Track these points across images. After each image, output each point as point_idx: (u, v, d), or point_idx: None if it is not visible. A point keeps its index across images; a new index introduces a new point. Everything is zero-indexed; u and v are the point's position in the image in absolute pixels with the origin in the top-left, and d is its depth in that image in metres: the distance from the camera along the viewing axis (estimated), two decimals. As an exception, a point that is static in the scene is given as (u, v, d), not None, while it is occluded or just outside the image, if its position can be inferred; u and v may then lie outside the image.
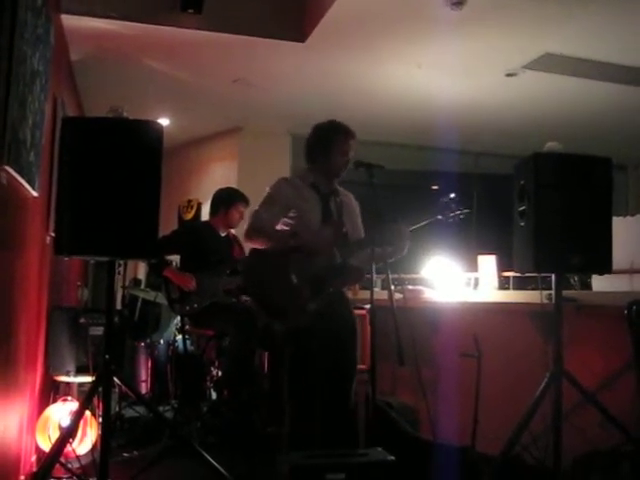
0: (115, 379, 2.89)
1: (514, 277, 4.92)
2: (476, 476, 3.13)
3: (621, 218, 4.22)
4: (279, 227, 3.30)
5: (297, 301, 3.13)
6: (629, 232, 4.09)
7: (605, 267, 3.06)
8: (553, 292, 3.10)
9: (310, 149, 3.41)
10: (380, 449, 2.57)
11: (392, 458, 2.47)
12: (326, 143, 3.33)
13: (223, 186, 5.24)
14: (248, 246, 3.37)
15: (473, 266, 4.71)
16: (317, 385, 3.14)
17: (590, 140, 7.31)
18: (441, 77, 5.96)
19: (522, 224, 3.08)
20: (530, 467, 3.17)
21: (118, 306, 5.59)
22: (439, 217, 3.25)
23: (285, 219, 3.29)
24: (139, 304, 6.45)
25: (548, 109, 6.84)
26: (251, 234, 3.24)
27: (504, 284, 4.81)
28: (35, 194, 3.20)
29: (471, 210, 3.30)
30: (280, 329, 3.32)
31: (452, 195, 3.23)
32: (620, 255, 3.17)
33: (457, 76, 5.94)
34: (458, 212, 3.23)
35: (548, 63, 5.53)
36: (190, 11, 4.72)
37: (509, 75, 5.86)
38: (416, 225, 3.29)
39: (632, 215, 5.44)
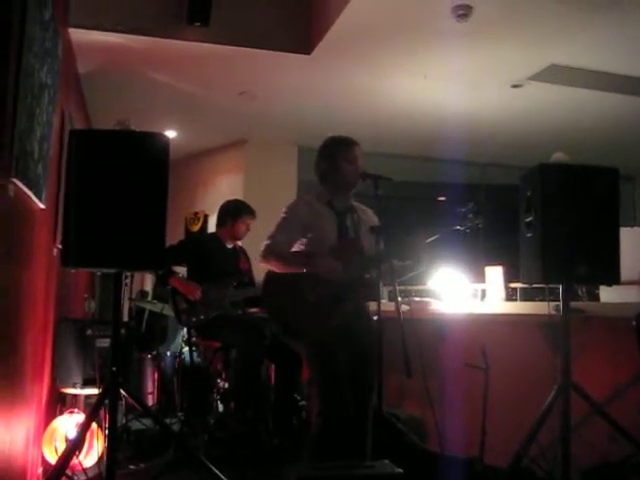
0: (122, 391, 2.88)
1: (521, 288, 4.90)
2: (484, 489, 3.11)
3: (629, 229, 4.20)
4: (296, 247, 3.30)
5: (314, 319, 3.13)
6: (637, 243, 4.07)
7: (613, 278, 3.05)
8: (561, 303, 3.08)
9: (319, 168, 3.41)
10: (387, 461, 2.55)
11: (399, 470, 2.45)
12: (332, 156, 3.35)
13: (229, 198, 5.25)
14: (261, 266, 3.36)
15: (480, 277, 4.70)
16: (346, 393, 3.11)
17: (597, 151, 7.33)
18: (447, 88, 5.97)
19: (529, 235, 3.07)
20: (539, 479, 3.15)
21: (125, 318, 5.61)
22: (457, 228, 3.23)
23: (302, 239, 3.29)
24: (146, 316, 6.45)
25: (554, 120, 6.85)
26: (268, 257, 3.24)
27: (511, 295, 4.79)
28: (42, 206, 3.22)
29: (484, 220, 3.26)
30: (301, 347, 3.29)
31: (470, 205, 3.22)
32: (628, 266, 3.15)
33: (463, 87, 5.95)
34: (476, 222, 3.22)
35: (554, 74, 5.54)
36: (197, 24, 4.76)
37: (515, 86, 5.87)
38: (432, 237, 3.28)
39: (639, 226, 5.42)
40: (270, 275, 3.33)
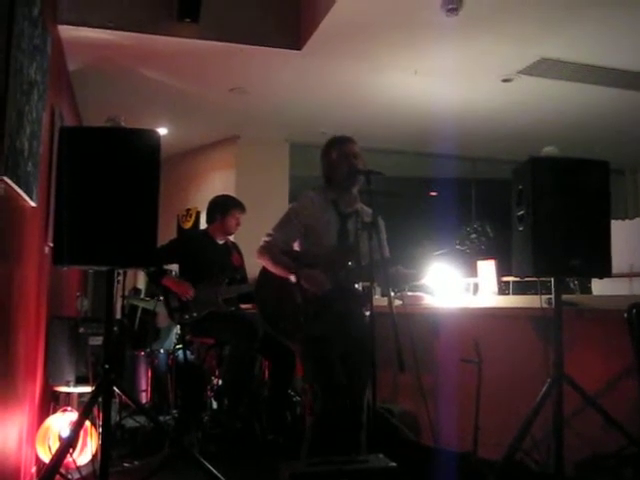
0: (115, 389, 2.88)
1: (514, 282, 4.91)
2: (478, 482, 3.13)
3: (620, 221, 4.23)
4: (295, 245, 3.29)
5: (299, 320, 3.14)
6: (628, 236, 4.10)
7: (604, 271, 3.06)
8: (553, 296, 3.10)
9: (322, 169, 3.40)
10: (381, 455, 2.56)
11: (393, 464, 2.46)
12: (328, 155, 3.34)
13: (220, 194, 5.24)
14: (256, 262, 3.35)
15: (472, 271, 4.71)
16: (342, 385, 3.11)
17: (587, 144, 7.34)
18: (437, 83, 5.97)
19: (521, 229, 3.08)
20: (532, 472, 3.16)
21: (118, 315, 5.59)
22: (457, 247, 3.21)
23: (300, 238, 3.29)
24: (139, 313, 6.44)
25: (544, 114, 6.85)
26: (262, 253, 3.24)
27: (504, 289, 4.81)
28: (33, 204, 3.20)
29: (486, 239, 3.23)
30: (294, 346, 3.31)
31: (475, 224, 3.20)
32: (619, 259, 3.17)
33: (453, 82, 5.95)
34: (479, 244, 3.19)
35: (544, 68, 5.55)
36: (187, 20, 4.74)
37: (505, 80, 5.87)
38: (436, 253, 3.27)
39: (630, 219, 5.45)
40: (263, 274, 3.33)
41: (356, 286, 3.28)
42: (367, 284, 3.08)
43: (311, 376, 3.21)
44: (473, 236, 3.16)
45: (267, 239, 3.24)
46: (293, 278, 3.14)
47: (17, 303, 3.02)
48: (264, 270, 3.32)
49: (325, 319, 3.10)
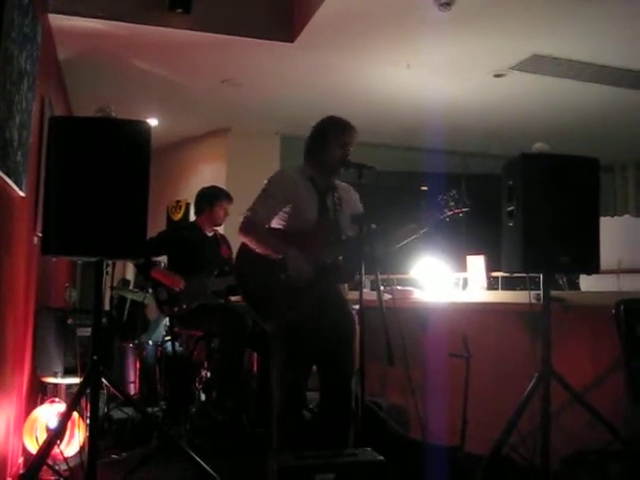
0: (103, 380, 2.87)
1: (503, 277, 4.93)
2: (465, 476, 3.14)
3: (608, 218, 4.24)
4: (275, 221, 3.24)
5: (283, 299, 3.10)
6: (616, 232, 4.11)
7: (593, 267, 3.08)
8: (541, 292, 3.11)
9: (309, 143, 3.32)
10: (369, 449, 2.57)
11: (381, 458, 2.47)
12: (325, 135, 3.26)
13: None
14: (240, 240, 3.29)
15: (462, 266, 4.72)
16: (303, 384, 3.15)
17: (577, 141, 7.37)
18: (430, 77, 5.98)
19: (510, 224, 3.08)
20: (519, 467, 3.18)
21: (106, 307, 5.57)
22: (440, 217, 3.17)
23: (281, 213, 3.22)
24: (127, 305, 6.42)
25: (536, 110, 6.88)
26: (247, 231, 3.15)
27: (493, 284, 4.82)
28: (22, 194, 3.19)
29: (468, 207, 3.19)
30: (269, 327, 3.28)
31: (452, 192, 3.16)
32: (607, 255, 3.18)
33: (445, 76, 5.96)
34: (459, 211, 3.15)
35: (536, 64, 5.57)
36: (179, 11, 4.72)
37: (497, 76, 5.89)
38: (420, 231, 3.25)
39: (619, 215, 5.47)
40: (243, 251, 3.25)
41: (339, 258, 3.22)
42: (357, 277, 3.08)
43: (275, 369, 3.21)
44: (452, 204, 3.11)
45: (249, 214, 3.16)
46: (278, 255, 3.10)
47: (5, 293, 3.01)
48: (242, 249, 3.24)
49: (303, 307, 3.06)
